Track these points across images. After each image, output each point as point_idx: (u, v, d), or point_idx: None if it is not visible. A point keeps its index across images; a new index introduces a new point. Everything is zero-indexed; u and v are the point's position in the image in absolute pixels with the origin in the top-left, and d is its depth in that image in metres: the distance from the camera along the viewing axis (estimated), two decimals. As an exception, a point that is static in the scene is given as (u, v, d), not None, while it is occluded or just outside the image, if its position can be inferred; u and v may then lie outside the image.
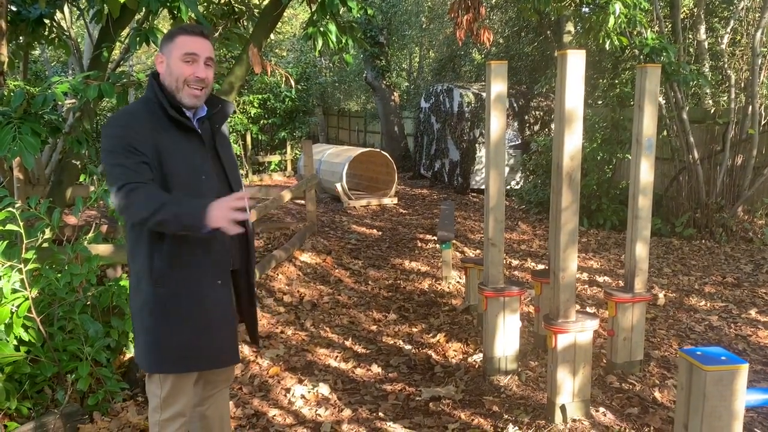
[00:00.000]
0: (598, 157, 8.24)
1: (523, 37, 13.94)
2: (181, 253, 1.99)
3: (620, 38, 7.32)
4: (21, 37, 5.45)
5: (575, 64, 2.73)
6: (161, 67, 2.01)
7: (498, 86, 3.25)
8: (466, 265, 4.82)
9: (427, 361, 3.93)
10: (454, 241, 6.74)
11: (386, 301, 5.24)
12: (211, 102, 2.12)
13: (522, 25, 13.42)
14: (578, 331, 2.90)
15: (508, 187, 11.98)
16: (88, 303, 3.31)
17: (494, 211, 3.33)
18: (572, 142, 2.76)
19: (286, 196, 6.19)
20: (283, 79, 4.62)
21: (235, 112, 14.69)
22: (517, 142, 12.08)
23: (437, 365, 3.85)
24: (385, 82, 16.25)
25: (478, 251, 7.04)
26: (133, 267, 2.05)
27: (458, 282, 5.78)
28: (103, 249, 3.88)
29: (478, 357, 3.91)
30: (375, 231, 8.09)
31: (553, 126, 12.32)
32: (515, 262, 6.70)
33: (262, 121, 15.16)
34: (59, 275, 3.16)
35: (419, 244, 7.32)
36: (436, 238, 7.59)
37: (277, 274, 5.68)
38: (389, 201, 10.13)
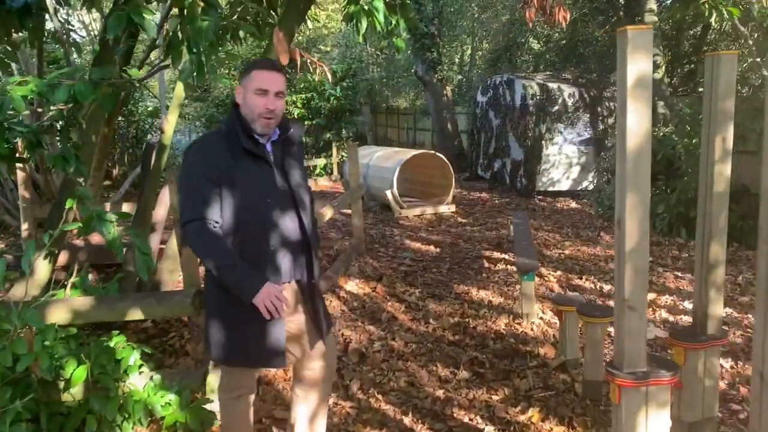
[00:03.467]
0: (698, 155, 6.87)
1: (591, 21, 12.53)
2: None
3: (730, 9, 5.97)
4: (16, 32, 4.60)
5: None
6: (239, 98, 2.23)
7: (639, 64, 2.09)
8: (561, 307, 3.65)
9: (520, 457, 2.81)
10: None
11: (453, 349, 4.12)
12: (284, 126, 2.33)
13: (592, 6, 12.01)
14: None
15: (580, 188, 10.66)
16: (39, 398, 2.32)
17: (633, 257, 2.17)
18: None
19: (327, 213, 5.16)
20: (317, 69, 3.58)
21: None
22: (586, 137, 10.74)
23: (536, 467, 2.72)
24: (436, 75, 15.07)
25: (559, 273, 5.83)
26: None
27: (542, 319, 4.61)
28: (81, 304, 2.92)
29: (593, 453, 2.76)
30: (432, 247, 6.98)
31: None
32: (607, 287, 5.47)
33: (306, 123, 14.25)
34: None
35: (486, 264, 6.16)
36: (505, 256, 6.42)
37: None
38: (446, 209, 8.99)
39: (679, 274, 5.89)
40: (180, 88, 4.40)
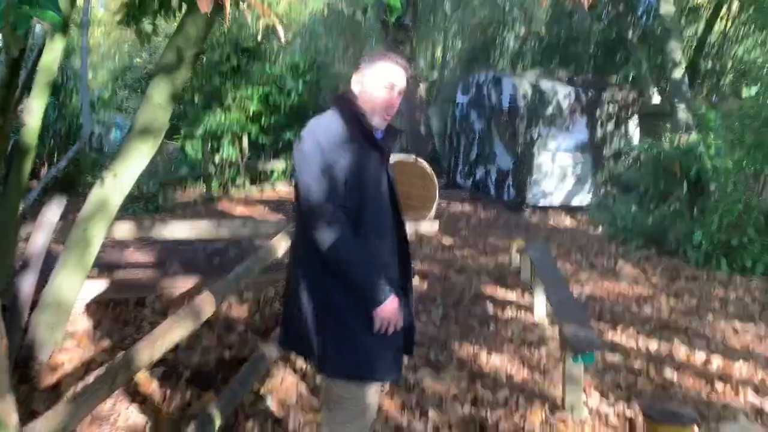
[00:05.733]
0: (747, 170, 5.61)
1: (587, 16, 11.29)
2: None
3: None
4: None
5: None
6: (358, 87, 2.12)
7: None
8: (664, 428, 2.21)
9: None
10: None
11: (472, 472, 2.65)
12: (389, 124, 2.19)
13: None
14: None
15: (576, 204, 9.37)
16: None
17: None
18: None
19: (281, 244, 3.64)
20: (260, 20, 2.09)
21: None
22: (582, 143, 9.47)
23: None
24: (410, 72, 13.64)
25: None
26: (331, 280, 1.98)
27: (591, 410, 3.19)
28: None
29: None
30: (416, 281, 5.50)
31: (632, 124, 9.67)
32: (653, 346, 4.10)
33: (263, 120, 12.62)
34: None
35: (491, 310, 4.72)
36: (513, 296, 5.00)
37: (267, 392, 3.13)
38: (428, 227, 7.55)
39: (737, 324, 4.57)
40: (48, 57, 2.82)
